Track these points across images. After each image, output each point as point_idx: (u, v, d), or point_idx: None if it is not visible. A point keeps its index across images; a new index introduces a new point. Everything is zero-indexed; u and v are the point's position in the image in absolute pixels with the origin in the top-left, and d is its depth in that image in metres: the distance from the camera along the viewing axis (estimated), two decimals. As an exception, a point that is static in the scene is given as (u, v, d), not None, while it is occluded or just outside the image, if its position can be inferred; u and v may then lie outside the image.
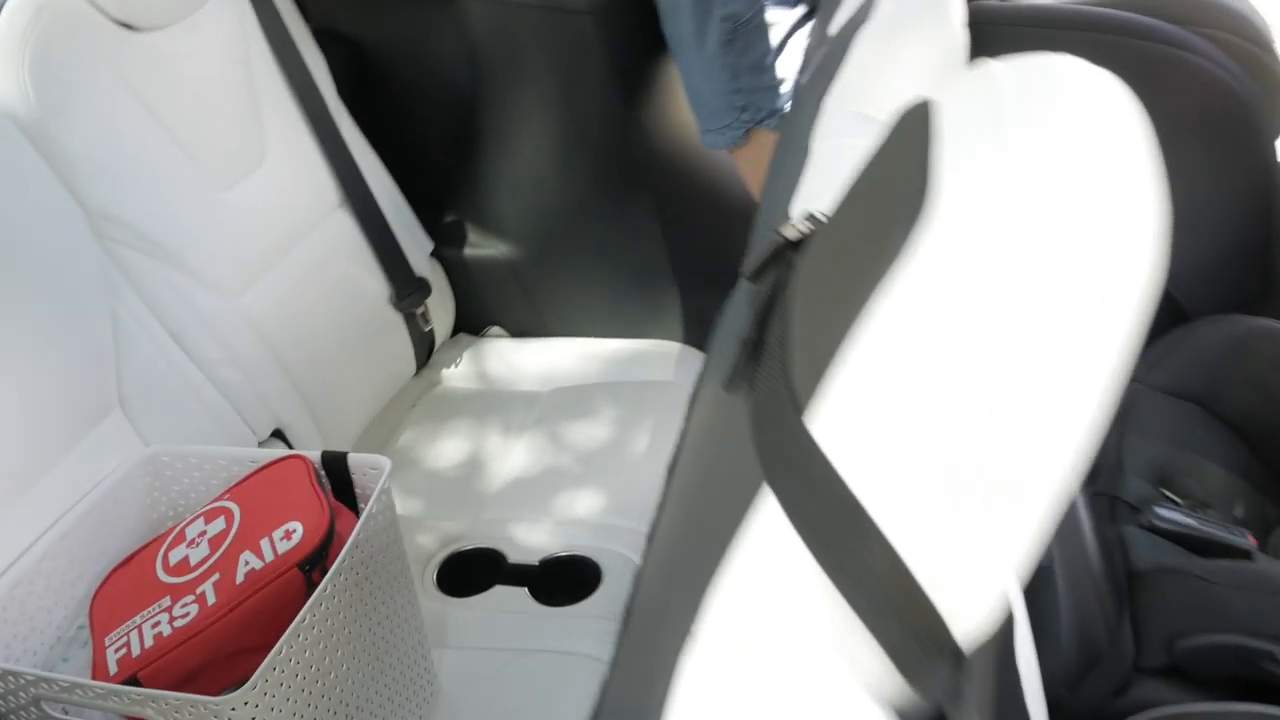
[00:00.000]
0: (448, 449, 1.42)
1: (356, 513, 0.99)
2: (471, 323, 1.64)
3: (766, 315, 0.37)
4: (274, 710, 0.79)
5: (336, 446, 1.31)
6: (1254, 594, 0.72)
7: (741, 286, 0.65)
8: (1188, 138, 1.07)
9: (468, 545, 1.24)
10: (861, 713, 0.29)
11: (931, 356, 0.27)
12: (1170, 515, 0.85)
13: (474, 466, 1.38)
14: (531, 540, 1.23)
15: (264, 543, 0.87)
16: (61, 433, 0.99)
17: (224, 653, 0.84)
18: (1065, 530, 0.74)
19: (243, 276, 1.23)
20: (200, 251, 1.17)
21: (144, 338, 1.09)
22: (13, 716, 0.84)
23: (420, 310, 1.50)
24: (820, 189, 0.64)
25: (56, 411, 0.99)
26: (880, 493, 0.28)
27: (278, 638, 0.81)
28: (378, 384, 1.45)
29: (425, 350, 1.53)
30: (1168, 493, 0.91)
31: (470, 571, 1.22)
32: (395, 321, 1.47)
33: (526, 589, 1.17)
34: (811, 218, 0.41)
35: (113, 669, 0.83)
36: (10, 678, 0.80)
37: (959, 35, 0.80)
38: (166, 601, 0.87)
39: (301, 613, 0.80)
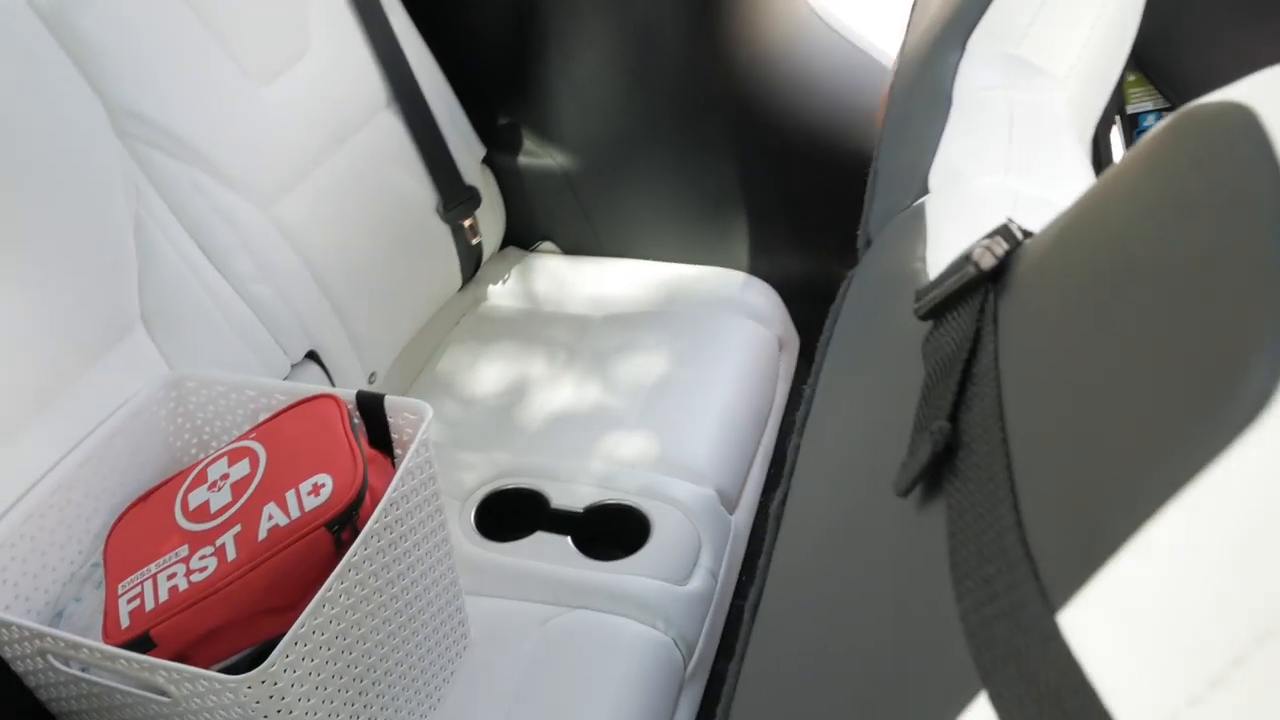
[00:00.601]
0: (490, 375, 1.34)
1: (392, 458, 0.90)
2: (522, 236, 1.54)
3: (961, 391, 0.27)
4: (295, 686, 0.72)
5: (374, 368, 1.23)
6: None
7: (865, 272, 0.54)
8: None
9: (508, 484, 1.16)
10: None
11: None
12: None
13: (517, 395, 1.29)
14: (576, 483, 1.15)
15: (290, 495, 0.79)
16: (79, 349, 0.91)
17: (243, 614, 0.77)
18: None
19: (278, 181, 1.13)
20: (232, 153, 1.07)
21: (169, 248, 1.00)
22: (19, 663, 0.78)
23: (469, 221, 1.39)
24: (971, 153, 0.52)
25: (74, 325, 0.90)
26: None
27: (301, 600, 0.74)
28: (420, 300, 1.35)
29: (472, 264, 1.43)
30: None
31: (510, 513, 1.14)
32: (442, 233, 1.37)
33: (569, 538, 1.10)
34: (1009, 234, 0.30)
35: (125, 621, 0.77)
36: (12, 628, 0.74)
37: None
38: (184, 551, 0.80)
39: (327, 582, 0.73)
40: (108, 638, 0.76)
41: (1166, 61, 0.76)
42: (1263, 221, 0.19)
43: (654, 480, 1.14)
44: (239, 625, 0.77)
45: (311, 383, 1.14)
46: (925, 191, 0.52)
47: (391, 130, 1.30)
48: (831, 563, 0.36)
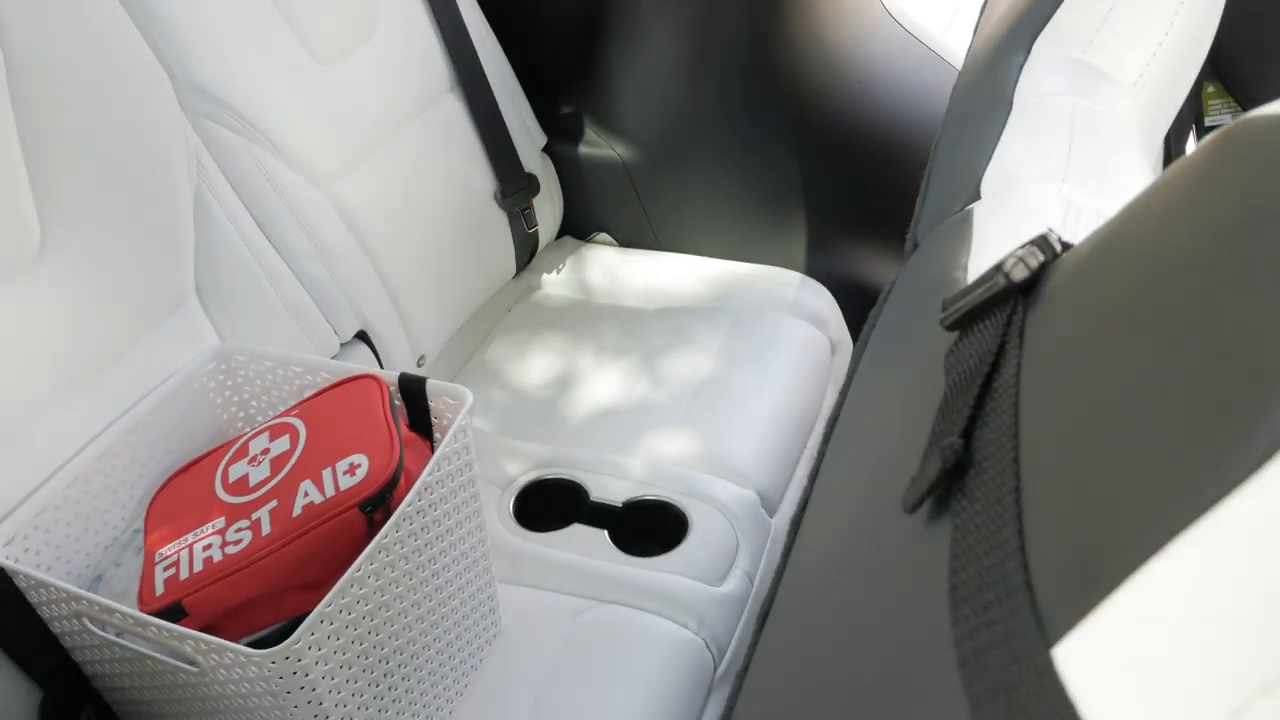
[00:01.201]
0: (539, 365, 1.33)
1: (431, 442, 0.91)
2: (578, 227, 1.53)
3: (979, 407, 0.25)
4: (319, 664, 0.72)
5: (424, 351, 1.24)
6: None
7: (906, 277, 0.52)
8: None
9: (549, 474, 1.16)
10: None
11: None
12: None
13: (564, 386, 1.29)
14: (616, 478, 1.14)
15: (326, 474, 0.79)
16: (134, 318, 0.93)
17: (274, 588, 0.77)
18: None
19: (339, 162, 1.14)
20: (295, 131, 1.08)
21: (227, 222, 1.01)
22: (56, 624, 0.79)
23: (526, 209, 1.39)
24: (1027, 158, 0.50)
25: (131, 294, 0.92)
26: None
27: (331, 578, 0.75)
28: (474, 286, 1.35)
29: (528, 252, 1.43)
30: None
31: (549, 503, 1.14)
32: (498, 219, 1.37)
33: (607, 533, 1.09)
34: (1045, 245, 0.29)
35: (159, 589, 0.78)
36: (50, 588, 0.75)
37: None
38: (221, 523, 0.80)
39: (356, 562, 0.73)
40: (142, 604, 0.77)
41: (1246, 73, 0.73)
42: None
43: (695, 478, 1.13)
44: (269, 600, 0.78)
45: (360, 363, 1.15)
46: (977, 197, 0.50)
47: (453, 114, 1.30)
48: (838, 574, 0.35)
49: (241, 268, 1.02)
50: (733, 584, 1.06)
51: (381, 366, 1.19)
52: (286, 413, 0.88)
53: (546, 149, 1.45)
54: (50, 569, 0.82)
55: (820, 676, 0.32)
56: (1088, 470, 0.20)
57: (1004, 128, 0.53)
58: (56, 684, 0.82)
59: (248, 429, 0.95)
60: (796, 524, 0.47)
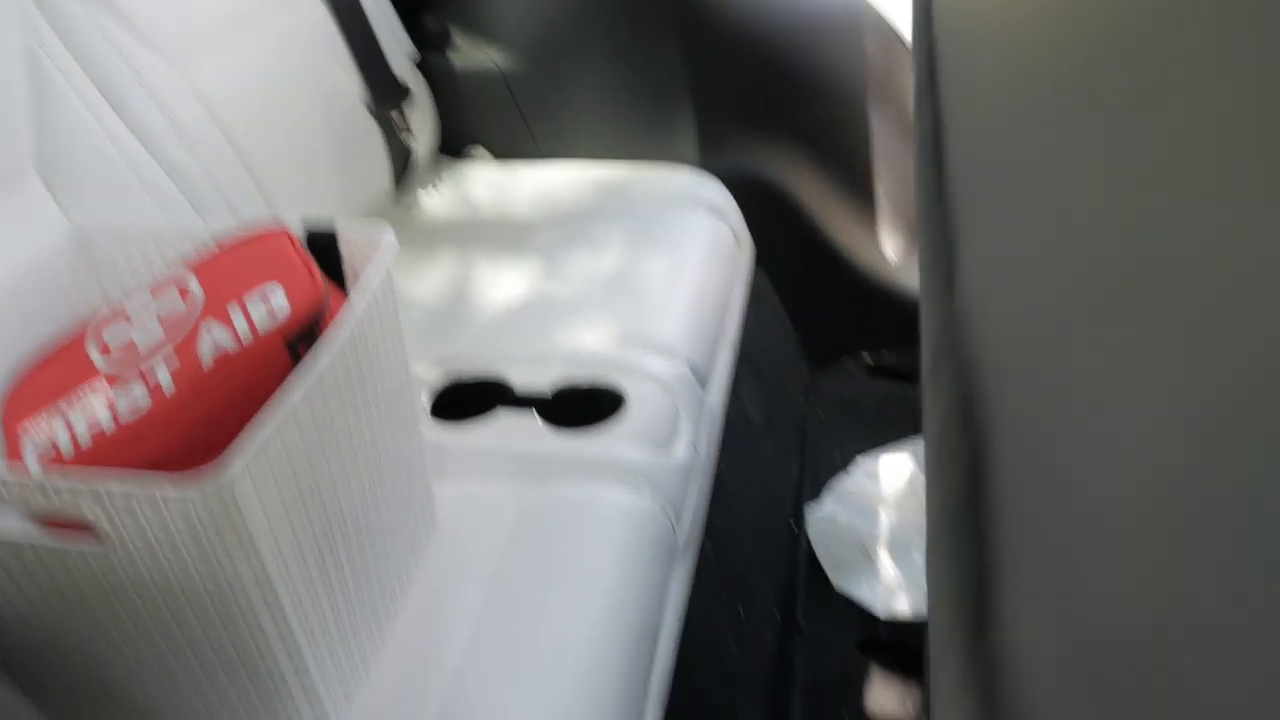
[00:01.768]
0: (432, 280, 1.23)
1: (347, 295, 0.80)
2: (455, 144, 1.44)
3: None
4: (256, 512, 0.60)
5: (305, 258, 1.12)
6: None
7: None
8: None
9: (466, 374, 1.06)
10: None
11: None
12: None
13: (464, 299, 1.19)
14: (540, 367, 1.05)
15: (235, 313, 0.67)
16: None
17: (186, 447, 0.65)
18: None
19: (194, 42, 1.01)
20: (142, 1, 0.95)
21: (70, 93, 0.88)
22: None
23: (399, 120, 1.29)
24: None
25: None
26: None
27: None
28: (350, 196, 1.24)
29: (402, 162, 1.33)
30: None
31: (469, 403, 1.04)
32: (370, 129, 1.26)
33: (536, 413, 1.00)
34: None
35: (33, 471, 0.64)
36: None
37: None
38: (105, 388, 0.67)
39: (291, 386, 0.62)
40: (18, 481, 0.63)
41: None
42: None
43: (624, 357, 1.05)
44: (181, 461, 0.65)
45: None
46: None
47: (319, 19, 1.19)
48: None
49: (91, 144, 0.89)
50: (680, 452, 0.98)
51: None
52: (172, 275, 0.76)
53: (417, 65, 1.35)
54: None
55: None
56: None
57: None
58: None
59: (120, 311, 0.81)
60: None
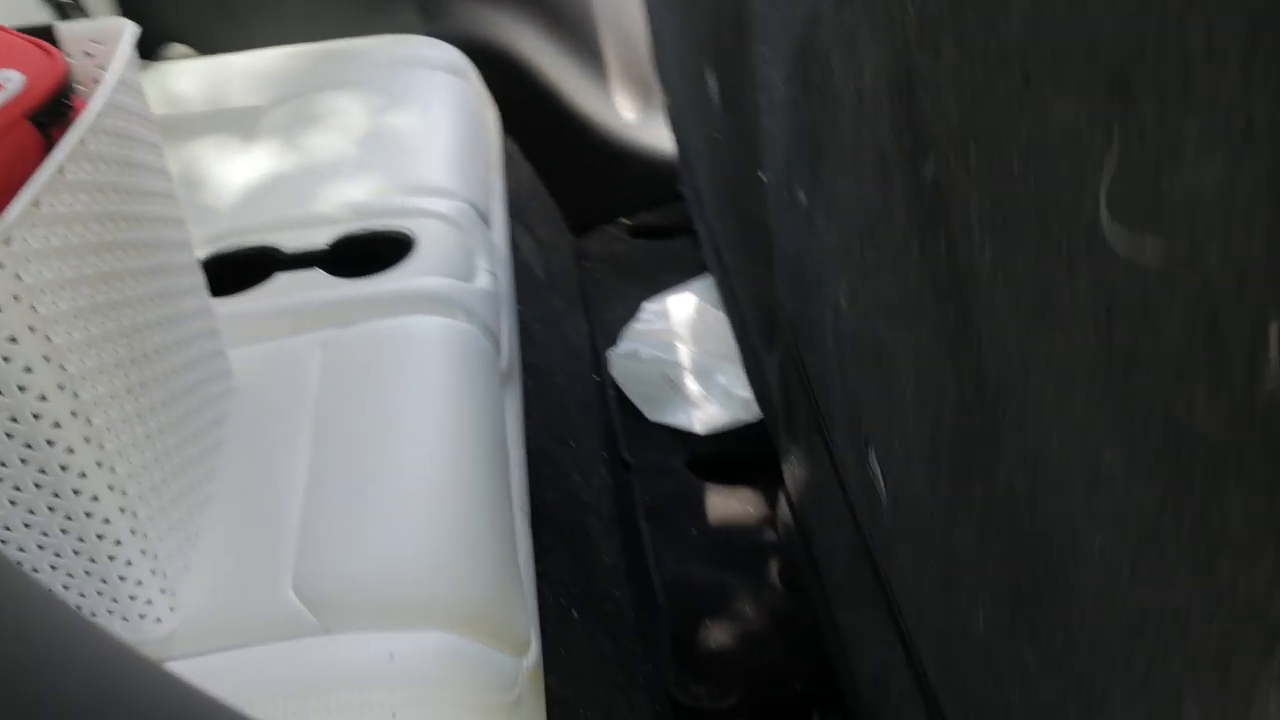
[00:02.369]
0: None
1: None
2: (148, 45, 1.28)
3: None
4: (46, 290, 0.50)
5: None
6: None
7: None
8: None
9: (227, 246, 0.95)
10: None
11: None
12: None
13: (205, 186, 1.07)
14: (313, 232, 0.96)
15: (-44, 103, 0.56)
16: None
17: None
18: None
19: None
20: None
21: None
22: None
23: (75, 8, 1.14)
24: None
25: None
26: None
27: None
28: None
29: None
30: None
31: (238, 279, 0.93)
32: (46, 14, 1.10)
33: (319, 269, 0.91)
34: None
35: None
36: None
37: None
38: None
39: (54, 154, 0.52)
40: None
41: None
42: None
43: (402, 202, 0.98)
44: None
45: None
46: None
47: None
48: None
49: None
50: (483, 280, 0.93)
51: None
52: None
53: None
54: None
55: None
56: None
57: None
58: None
59: None
60: None
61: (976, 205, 0.28)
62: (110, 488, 0.55)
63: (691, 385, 1.23)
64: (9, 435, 0.51)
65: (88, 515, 0.55)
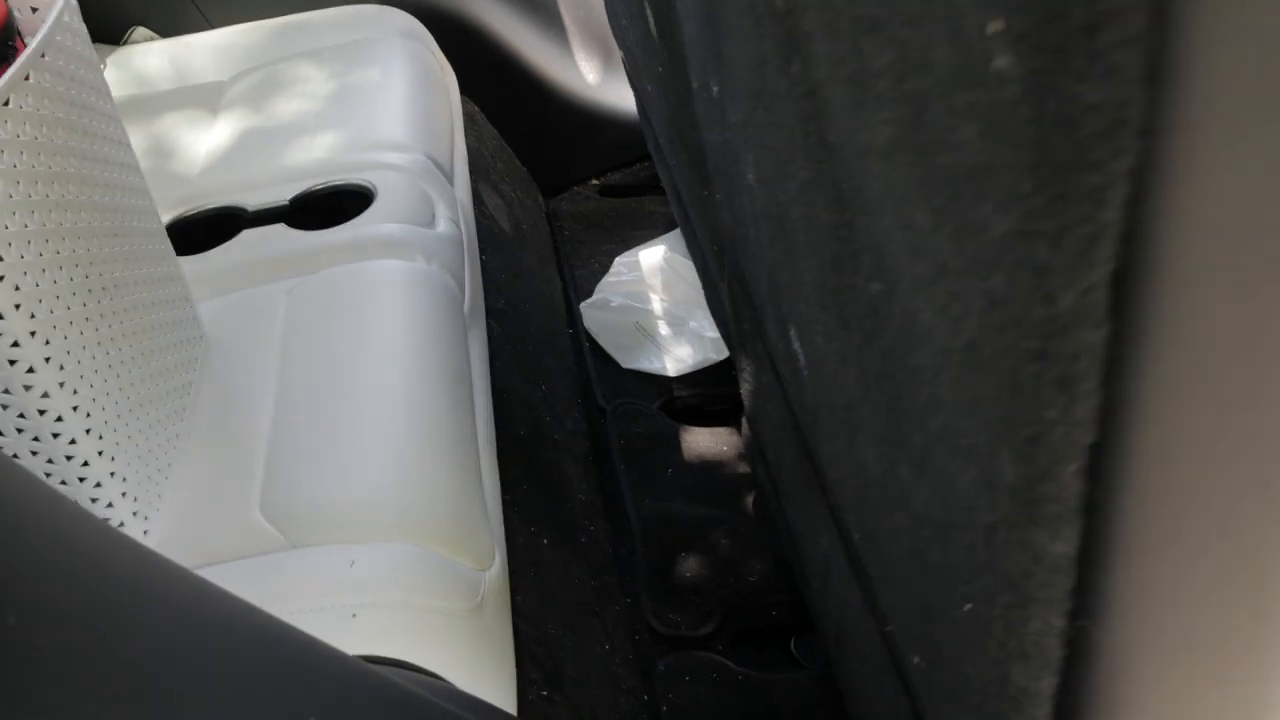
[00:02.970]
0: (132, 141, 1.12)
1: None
2: (110, 30, 1.31)
3: None
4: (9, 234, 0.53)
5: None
6: None
7: None
8: None
9: (195, 208, 0.97)
10: None
11: None
12: None
13: (171, 154, 1.09)
14: (275, 190, 0.98)
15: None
16: None
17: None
18: None
19: None
20: None
21: None
22: None
23: None
24: None
25: None
26: None
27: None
28: None
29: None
30: None
31: (203, 239, 0.96)
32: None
33: (283, 223, 0.94)
34: None
35: None
36: None
37: None
38: None
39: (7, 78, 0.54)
40: None
41: None
42: None
43: (361, 158, 1.01)
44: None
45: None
46: None
47: None
48: None
49: None
50: (444, 227, 0.96)
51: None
52: None
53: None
54: None
55: None
56: None
57: None
58: None
59: None
60: None
61: (814, 18, 0.30)
62: (74, 409, 0.58)
63: (663, 330, 1.26)
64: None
65: (54, 436, 0.58)
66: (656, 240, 1.40)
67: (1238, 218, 0.19)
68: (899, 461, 0.36)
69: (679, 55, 0.72)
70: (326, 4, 1.31)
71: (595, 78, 1.54)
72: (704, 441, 1.14)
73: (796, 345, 0.53)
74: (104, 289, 0.63)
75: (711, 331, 1.23)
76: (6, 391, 0.55)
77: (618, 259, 1.38)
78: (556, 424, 1.04)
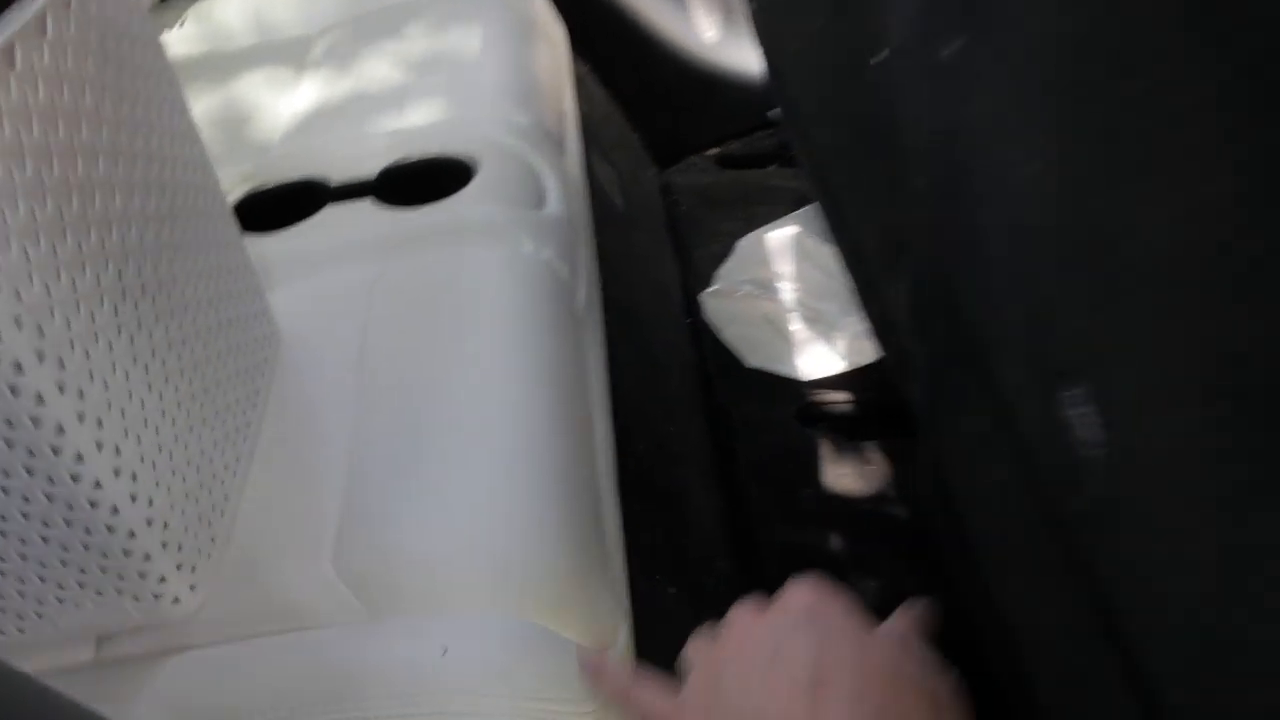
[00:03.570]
0: (204, 108, 1.00)
1: None
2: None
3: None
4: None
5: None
6: None
7: None
8: None
9: (271, 180, 0.85)
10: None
11: None
12: None
13: (251, 120, 0.97)
14: (364, 161, 0.85)
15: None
16: None
17: None
18: None
19: None
20: None
21: None
22: None
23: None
24: None
25: None
26: None
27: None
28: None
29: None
30: None
31: (283, 214, 0.83)
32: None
33: (370, 198, 0.80)
34: None
35: None
36: None
37: None
38: None
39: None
40: None
41: None
42: None
43: (461, 125, 0.87)
44: None
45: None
46: None
47: None
48: None
49: None
50: (554, 207, 0.81)
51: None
52: None
53: None
54: None
55: None
56: None
57: None
58: None
59: None
60: None
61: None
62: (99, 447, 0.45)
63: (795, 326, 1.10)
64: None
65: (91, 505, 0.45)
66: (785, 220, 1.24)
67: None
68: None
69: (857, 5, 0.56)
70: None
71: (714, 35, 1.38)
72: (847, 460, 0.98)
73: (1083, 414, 0.37)
74: (143, 288, 0.50)
75: (854, 330, 1.06)
76: (9, 424, 0.42)
77: (740, 240, 1.22)
78: (678, 435, 0.89)
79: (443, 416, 0.60)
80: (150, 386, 0.49)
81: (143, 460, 0.47)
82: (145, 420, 0.48)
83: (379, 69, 0.99)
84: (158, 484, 0.49)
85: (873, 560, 0.88)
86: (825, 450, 0.99)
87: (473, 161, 0.82)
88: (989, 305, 0.47)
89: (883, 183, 0.74)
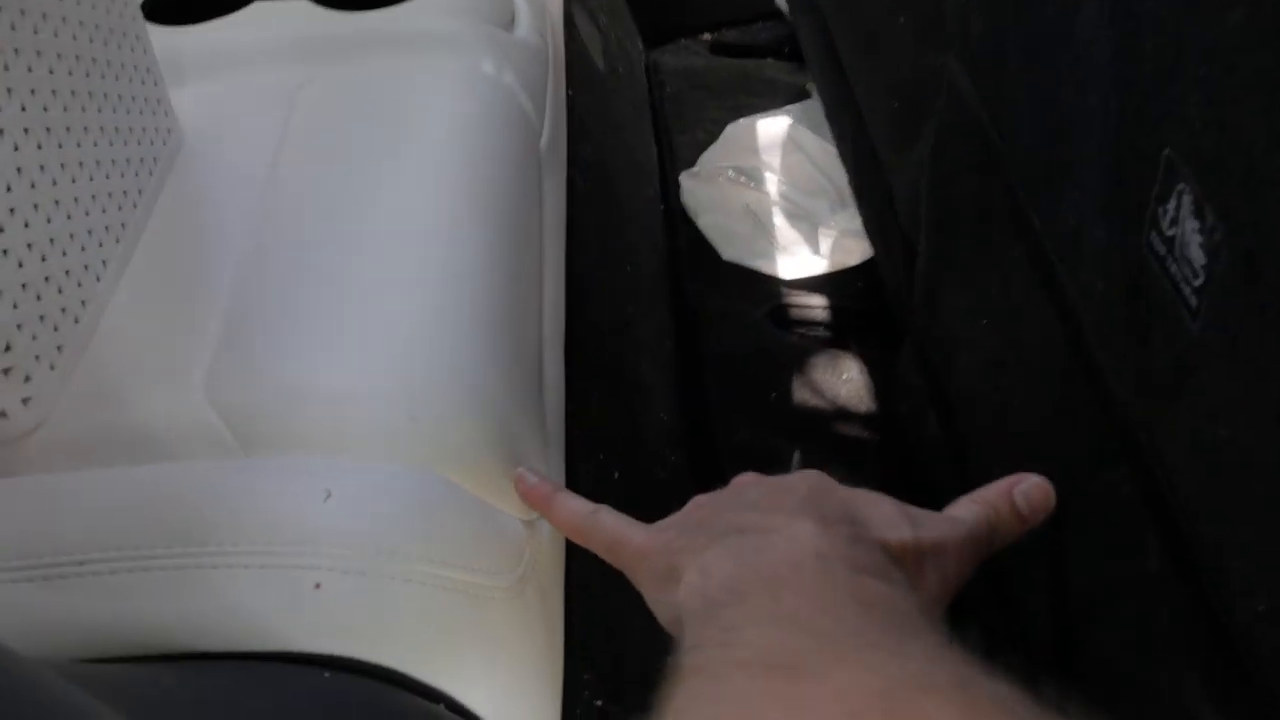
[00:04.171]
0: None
1: None
2: None
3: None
4: None
5: None
6: None
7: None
8: None
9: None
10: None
11: None
12: None
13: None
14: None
15: None
16: None
17: None
18: None
19: None
20: None
21: None
22: None
23: None
24: None
25: None
26: None
27: None
28: None
29: None
30: None
31: (202, 4, 0.71)
32: None
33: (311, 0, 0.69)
34: None
35: None
36: None
37: None
38: None
39: None
40: None
41: None
42: None
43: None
44: None
45: None
46: None
47: None
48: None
49: None
50: (526, 33, 0.70)
51: None
52: None
53: None
54: None
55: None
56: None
57: None
58: None
59: None
60: None
61: None
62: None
63: (778, 221, 1.00)
64: None
65: None
66: (779, 110, 1.13)
67: None
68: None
69: None
70: None
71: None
72: (822, 364, 0.89)
73: (1195, 227, 0.28)
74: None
75: (844, 229, 0.97)
76: None
77: (729, 126, 1.11)
78: (640, 318, 0.80)
79: (362, 242, 0.50)
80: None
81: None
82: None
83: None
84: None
85: (835, 472, 0.80)
86: (796, 354, 0.90)
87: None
88: (1025, 147, 0.37)
89: (901, 46, 0.65)
